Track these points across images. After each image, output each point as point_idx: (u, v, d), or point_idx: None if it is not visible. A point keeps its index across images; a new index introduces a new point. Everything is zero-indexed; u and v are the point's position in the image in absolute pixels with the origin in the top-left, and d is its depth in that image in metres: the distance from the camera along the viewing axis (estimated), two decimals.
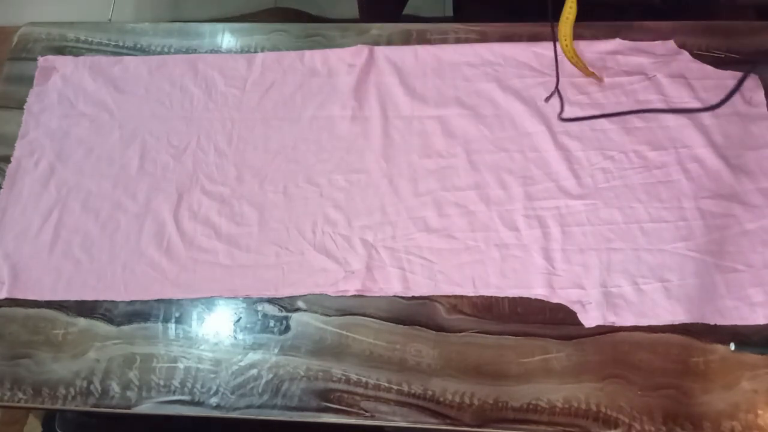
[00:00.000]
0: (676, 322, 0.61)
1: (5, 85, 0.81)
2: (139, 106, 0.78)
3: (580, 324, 0.62)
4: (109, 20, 1.52)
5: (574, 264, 0.65)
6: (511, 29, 0.80)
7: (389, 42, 0.80)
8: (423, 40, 0.80)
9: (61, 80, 0.80)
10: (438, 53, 0.78)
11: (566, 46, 0.72)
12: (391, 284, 0.65)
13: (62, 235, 0.70)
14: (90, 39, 0.84)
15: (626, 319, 0.62)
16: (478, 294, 0.64)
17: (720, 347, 0.61)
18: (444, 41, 0.79)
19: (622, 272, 0.64)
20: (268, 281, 0.66)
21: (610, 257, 0.65)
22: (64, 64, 0.82)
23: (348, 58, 0.78)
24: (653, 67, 0.75)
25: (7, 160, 0.76)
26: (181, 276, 0.67)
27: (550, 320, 0.63)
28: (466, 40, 0.79)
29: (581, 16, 0.73)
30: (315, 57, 0.79)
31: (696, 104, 0.72)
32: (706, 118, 0.71)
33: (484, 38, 0.79)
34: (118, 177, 0.73)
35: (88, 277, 0.68)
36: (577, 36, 0.77)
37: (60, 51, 0.83)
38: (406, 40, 0.80)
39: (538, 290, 0.64)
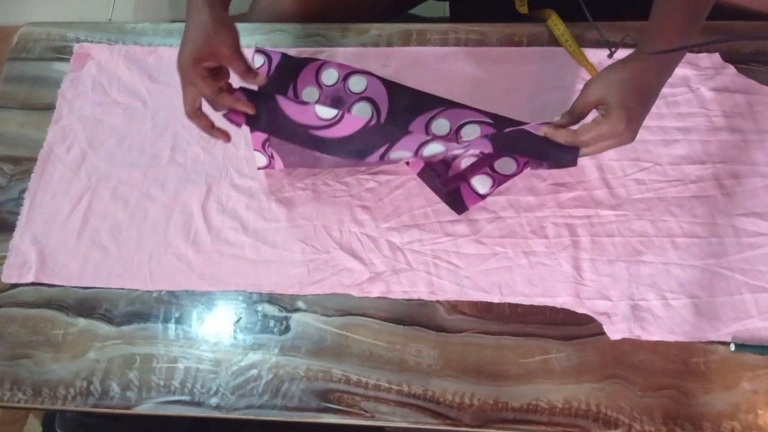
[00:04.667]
0: (704, 340, 0.61)
1: (5, 85, 0.81)
2: (172, 97, 0.77)
3: (580, 324, 0.62)
4: (109, 20, 1.52)
5: (602, 275, 0.64)
6: (511, 29, 0.80)
7: (389, 42, 0.80)
8: (423, 40, 0.80)
9: (95, 67, 0.81)
10: (474, 57, 0.77)
11: (573, 51, 0.73)
12: (416, 287, 0.65)
13: (91, 222, 0.71)
14: (90, 39, 0.84)
15: (653, 333, 0.61)
16: (504, 301, 0.64)
17: (720, 347, 0.61)
18: (444, 41, 0.79)
19: (651, 286, 0.63)
20: (293, 278, 0.66)
21: (639, 270, 0.64)
22: (99, 51, 0.82)
23: (382, 58, 0.78)
24: (697, 79, 0.73)
25: (7, 160, 0.76)
26: (207, 268, 0.68)
27: (550, 320, 0.63)
28: (466, 41, 0.79)
29: (580, 17, 0.73)
30: (350, 54, 0.78)
31: (739, 120, 0.71)
32: (749, 134, 0.70)
33: (484, 38, 0.79)
34: (148, 166, 0.74)
35: (114, 265, 0.68)
36: (577, 37, 0.77)
37: (60, 51, 0.83)
38: (406, 40, 0.80)
39: (564, 299, 0.63)
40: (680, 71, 0.74)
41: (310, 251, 0.68)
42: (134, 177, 0.73)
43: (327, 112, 0.64)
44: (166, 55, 0.81)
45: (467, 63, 0.77)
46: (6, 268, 0.69)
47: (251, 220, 0.70)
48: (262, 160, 0.69)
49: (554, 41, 0.77)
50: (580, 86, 0.64)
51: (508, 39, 0.79)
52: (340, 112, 0.64)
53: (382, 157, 0.64)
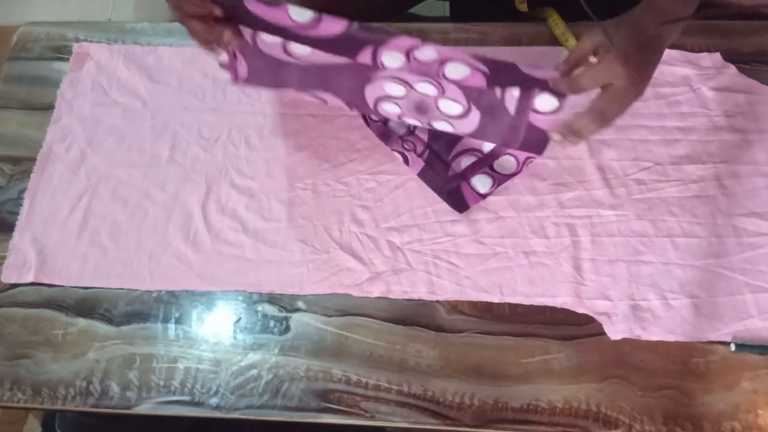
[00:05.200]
0: (704, 340, 0.61)
1: (5, 85, 0.81)
2: (172, 97, 0.78)
3: (580, 324, 0.62)
4: (109, 20, 1.52)
5: (603, 275, 0.64)
6: (511, 29, 0.79)
7: None
8: (423, 39, 0.79)
9: (95, 67, 0.81)
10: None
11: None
12: (416, 287, 0.65)
13: (90, 222, 0.71)
14: (90, 39, 0.84)
15: (653, 333, 0.61)
16: (504, 301, 0.64)
17: (720, 347, 0.60)
18: (444, 41, 0.79)
19: (651, 286, 0.63)
20: (293, 278, 0.66)
21: (639, 270, 0.64)
22: (98, 51, 0.82)
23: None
24: (698, 79, 0.73)
25: (7, 160, 0.76)
26: (207, 268, 0.68)
27: (550, 320, 0.63)
28: (467, 41, 0.79)
29: (581, 16, 0.73)
30: None
31: (740, 119, 0.70)
32: (750, 134, 0.70)
33: (484, 38, 0.79)
34: (148, 166, 0.74)
35: (114, 265, 0.68)
36: (578, 36, 0.77)
37: (60, 51, 0.83)
38: None
39: (564, 299, 0.63)
40: (681, 71, 0.74)
41: (310, 251, 0.68)
42: (134, 177, 0.73)
43: (301, 15, 0.55)
44: (166, 55, 0.81)
45: None
46: (6, 268, 0.69)
47: (251, 220, 0.70)
48: (223, 54, 0.62)
49: (554, 41, 0.77)
50: None
51: (509, 39, 0.79)
52: (317, 15, 0.55)
53: (374, 58, 0.58)
